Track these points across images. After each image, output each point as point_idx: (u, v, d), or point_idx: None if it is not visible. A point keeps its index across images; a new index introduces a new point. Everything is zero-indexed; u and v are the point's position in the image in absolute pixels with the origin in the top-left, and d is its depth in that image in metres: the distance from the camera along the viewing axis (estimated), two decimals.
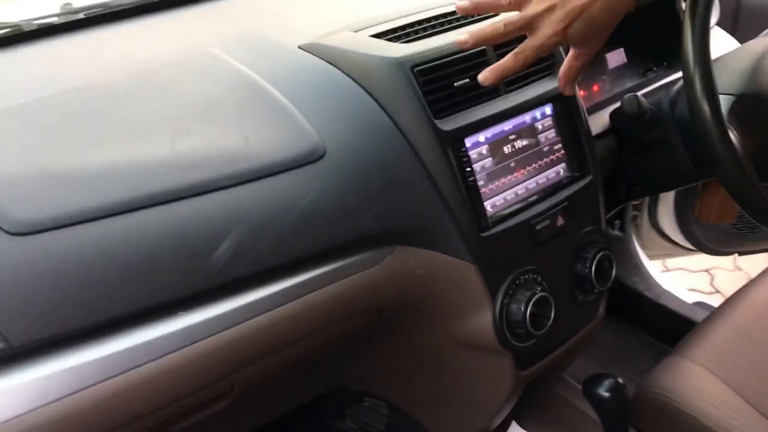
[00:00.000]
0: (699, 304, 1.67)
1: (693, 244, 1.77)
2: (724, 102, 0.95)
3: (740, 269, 2.44)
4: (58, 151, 0.72)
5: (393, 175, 0.84)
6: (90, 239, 0.68)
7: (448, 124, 0.85)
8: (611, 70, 1.27)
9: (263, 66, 0.88)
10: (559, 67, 0.92)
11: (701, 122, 0.88)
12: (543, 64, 0.96)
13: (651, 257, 1.83)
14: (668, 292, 1.70)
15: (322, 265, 0.80)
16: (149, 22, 1.03)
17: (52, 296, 0.65)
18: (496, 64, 0.81)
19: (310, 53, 0.89)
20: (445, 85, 0.85)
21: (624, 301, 1.66)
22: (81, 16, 1.00)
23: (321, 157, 0.80)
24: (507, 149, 0.91)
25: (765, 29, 1.17)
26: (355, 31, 0.92)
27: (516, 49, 0.79)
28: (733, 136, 0.92)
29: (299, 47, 0.91)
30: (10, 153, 0.71)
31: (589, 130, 1.00)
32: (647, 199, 1.71)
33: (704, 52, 0.88)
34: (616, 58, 1.29)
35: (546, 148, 0.95)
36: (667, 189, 1.24)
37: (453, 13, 0.96)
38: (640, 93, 1.18)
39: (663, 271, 2.02)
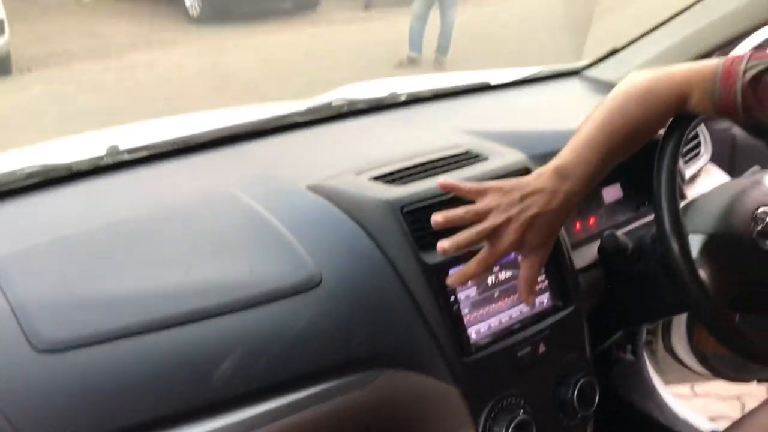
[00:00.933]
0: None
1: (708, 370, 1.78)
2: (698, 240, 1.03)
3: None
4: (86, 279, 0.85)
5: (382, 302, 0.93)
6: (108, 357, 0.78)
7: (433, 258, 0.94)
8: (607, 205, 1.36)
9: (274, 204, 1.00)
10: None
11: (670, 259, 0.97)
12: None
13: (668, 383, 1.83)
14: (683, 419, 1.70)
15: (313, 386, 0.88)
16: (183, 162, 1.18)
17: (70, 407, 0.75)
18: (462, 269, 0.89)
19: (316, 193, 1.02)
20: (430, 223, 0.96)
21: (637, 427, 1.67)
22: (126, 156, 1.15)
23: (317, 285, 0.91)
24: (491, 280, 1.00)
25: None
26: (357, 174, 1.05)
27: (478, 257, 0.88)
28: (704, 272, 0.99)
29: (307, 187, 1.03)
30: (46, 280, 0.84)
31: (571, 263, 1.08)
32: (661, 324, 1.75)
33: (671, 194, 0.98)
34: (612, 193, 1.38)
35: None
36: (654, 320, 1.29)
37: (443, 159, 1.08)
38: (630, 227, 1.27)
39: (691, 397, 2.01)
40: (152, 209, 1.01)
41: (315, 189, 1.03)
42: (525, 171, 1.07)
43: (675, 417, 1.71)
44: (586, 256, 1.18)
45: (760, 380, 1.86)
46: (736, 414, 2.35)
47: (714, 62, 1.04)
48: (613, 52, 1.58)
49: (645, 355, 1.76)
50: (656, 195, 0.99)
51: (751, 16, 1.37)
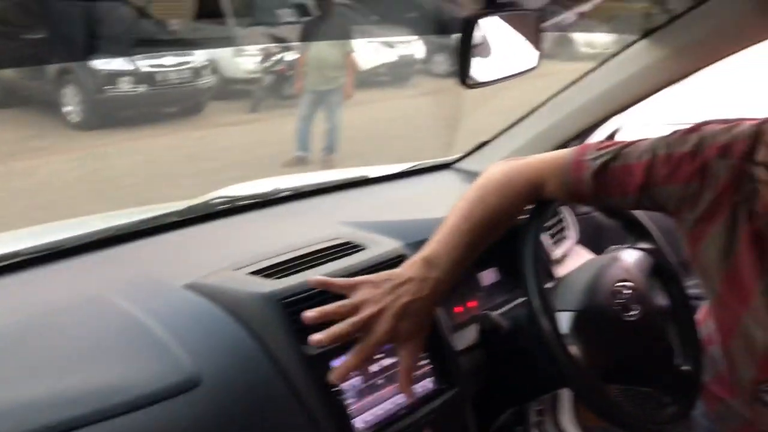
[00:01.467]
0: None
1: None
2: (568, 317, 1.09)
3: None
4: None
5: (265, 399, 0.92)
6: None
7: (315, 349, 0.95)
8: (485, 288, 1.42)
9: (150, 305, 0.98)
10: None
11: (542, 337, 1.01)
12: None
13: None
14: None
15: None
16: (56, 268, 1.13)
17: None
18: (341, 364, 0.90)
19: (193, 291, 1.01)
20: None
21: None
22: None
23: (196, 385, 0.88)
24: (375, 368, 1.01)
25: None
26: (235, 270, 1.05)
27: (356, 349, 0.90)
28: (576, 347, 1.05)
29: (184, 286, 1.02)
30: None
31: (451, 346, 1.11)
32: (549, 402, 1.80)
33: (536, 275, 1.04)
34: (490, 276, 1.44)
35: None
36: (536, 396, 1.34)
37: (322, 251, 1.10)
38: (506, 308, 1.32)
39: None
40: (23, 317, 0.97)
41: (192, 287, 1.02)
42: (401, 258, 1.10)
43: None
44: (467, 337, 1.22)
45: None
46: None
47: (565, 153, 1.14)
48: (482, 144, 1.69)
49: None
50: (523, 277, 1.05)
51: (601, 109, 1.51)
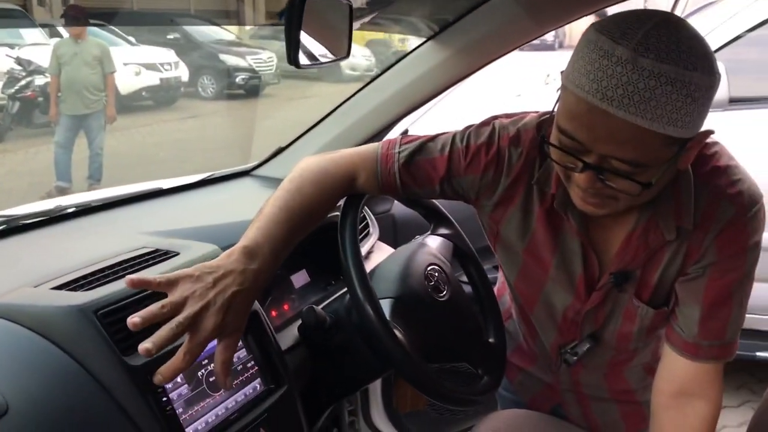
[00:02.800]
0: None
1: None
2: (387, 304, 1.13)
3: None
4: None
5: (85, 420, 0.84)
6: None
7: (138, 360, 0.88)
8: (297, 290, 1.42)
9: None
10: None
11: (368, 325, 1.04)
12: None
13: None
14: None
15: None
16: None
17: None
18: (168, 364, 0.83)
19: None
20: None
21: None
22: None
23: (3, 414, 0.78)
24: (201, 374, 0.96)
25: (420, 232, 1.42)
26: (35, 287, 0.94)
27: (183, 349, 0.83)
28: (398, 331, 1.08)
29: None
30: None
31: (277, 345, 1.10)
32: (359, 402, 1.83)
33: (358, 264, 1.06)
34: (300, 278, 1.44)
35: (240, 367, 1.02)
36: (362, 386, 1.37)
37: (131, 260, 1.03)
38: (322, 305, 1.33)
39: None
40: None
41: None
42: None
43: None
44: (287, 338, 1.20)
45: None
46: None
47: (373, 147, 1.19)
48: (279, 151, 1.69)
49: None
50: (345, 267, 1.06)
51: (394, 109, 1.58)
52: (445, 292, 1.20)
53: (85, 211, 1.37)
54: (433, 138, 1.17)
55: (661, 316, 1.12)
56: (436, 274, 1.21)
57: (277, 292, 1.37)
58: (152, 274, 0.96)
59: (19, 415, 0.79)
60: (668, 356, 1.13)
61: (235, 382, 1.01)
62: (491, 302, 1.32)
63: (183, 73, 10.05)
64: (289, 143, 1.69)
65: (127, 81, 8.62)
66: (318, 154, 1.61)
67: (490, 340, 1.27)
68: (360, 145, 1.57)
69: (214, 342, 0.87)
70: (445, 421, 2.00)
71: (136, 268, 1.01)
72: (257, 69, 11.09)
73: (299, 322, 1.25)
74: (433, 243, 1.30)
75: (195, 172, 1.69)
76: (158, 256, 1.06)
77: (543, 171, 1.09)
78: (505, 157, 1.11)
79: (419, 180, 1.16)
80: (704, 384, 1.09)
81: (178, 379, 0.93)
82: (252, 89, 11.08)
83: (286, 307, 1.35)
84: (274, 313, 1.30)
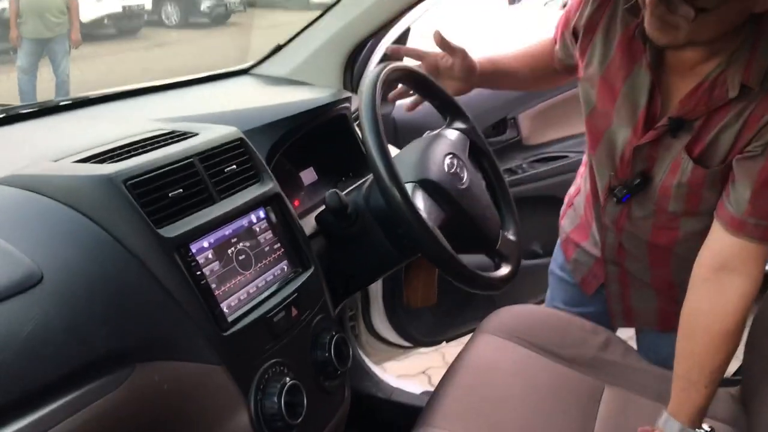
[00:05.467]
0: (426, 393, 1.80)
1: (406, 340, 1.92)
2: (409, 188, 1.10)
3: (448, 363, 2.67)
4: None
5: (120, 289, 0.81)
6: None
7: (170, 231, 0.85)
8: (306, 187, 1.39)
9: None
10: (264, 175, 1.01)
11: (395, 206, 1.02)
12: (250, 173, 1.02)
13: (376, 362, 1.94)
14: (398, 388, 1.81)
15: (57, 398, 0.72)
16: None
17: None
18: None
19: (8, 185, 0.85)
20: (160, 196, 0.87)
21: (361, 407, 1.72)
22: None
23: (38, 282, 0.75)
24: (231, 252, 0.94)
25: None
26: (56, 161, 0.90)
27: None
28: (422, 214, 1.07)
29: None
30: None
31: (301, 229, 1.07)
32: (360, 308, 1.84)
33: (383, 149, 1.03)
34: (308, 176, 1.42)
35: (267, 248, 1.00)
36: (378, 277, 1.36)
37: (147, 140, 0.98)
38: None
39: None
40: None
41: (8, 182, 0.85)
42: (241, 141, 1.03)
43: (390, 389, 1.80)
44: (306, 227, 1.18)
45: (447, 340, 2.07)
46: (426, 387, 2.58)
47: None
48: (278, 49, 1.63)
49: (354, 340, 1.83)
50: (369, 148, 1.03)
51: (396, 3, 1.52)
52: (465, 180, 1.19)
53: (85, 102, 1.32)
54: None
55: (697, 174, 1.14)
56: (456, 162, 1.19)
57: (287, 189, 1.34)
58: (174, 152, 0.93)
59: (53, 283, 0.76)
60: (715, 231, 1.14)
61: (264, 261, 0.99)
62: (506, 196, 1.31)
63: (146, 0, 9.71)
64: (287, 40, 1.63)
65: (88, 8, 8.29)
66: (319, 49, 1.58)
67: (507, 233, 1.27)
68: (360, 42, 1.53)
69: (242, 222, 0.93)
70: (445, 324, 2.03)
71: (155, 146, 0.97)
72: None
73: (314, 214, 1.23)
74: (451, 135, 1.28)
75: None
76: (176, 136, 1.02)
77: None
78: None
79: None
80: (746, 261, 1.11)
81: (209, 255, 0.90)
82: (218, 17, 10.76)
83: (296, 203, 1.33)
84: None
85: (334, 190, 1.11)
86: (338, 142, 1.43)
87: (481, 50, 1.46)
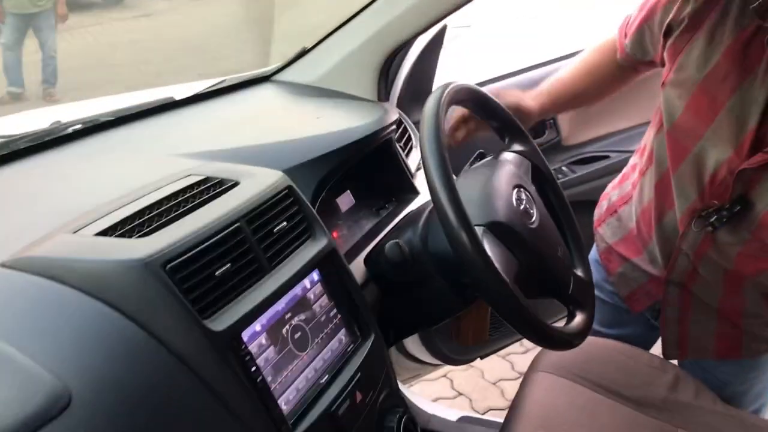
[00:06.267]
0: (464, 419, 1.68)
1: (441, 360, 1.79)
2: (478, 232, 0.95)
3: (473, 366, 2.56)
4: None
5: (165, 399, 0.66)
6: None
7: (220, 323, 0.71)
8: (345, 214, 1.24)
9: None
10: (316, 229, 0.87)
11: (464, 256, 0.86)
12: (300, 228, 0.87)
13: (404, 382, 1.81)
14: (435, 416, 1.68)
15: None
16: None
17: None
18: None
19: (20, 270, 0.69)
20: (205, 277, 0.72)
21: None
22: None
23: (67, 405, 0.60)
24: (286, 331, 0.79)
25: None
26: (74, 232, 0.74)
27: None
28: (496, 266, 0.92)
29: (2, 265, 0.70)
30: None
31: (358, 288, 0.93)
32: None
33: (451, 186, 0.88)
34: (345, 201, 1.26)
35: (323, 318, 0.86)
36: (435, 324, 1.22)
37: (178, 194, 0.83)
38: (384, 232, 1.16)
39: (408, 386, 2.02)
40: None
41: (16, 265, 0.70)
42: (288, 190, 0.88)
43: (428, 417, 1.68)
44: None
45: (482, 357, 1.95)
46: (449, 392, 2.46)
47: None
48: (303, 53, 1.46)
49: None
50: (434, 188, 0.88)
51: (435, 8, 1.36)
52: (534, 218, 1.04)
53: (92, 129, 1.15)
54: None
55: None
56: (524, 196, 1.04)
57: (323, 218, 1.19)
58: (217, 214, 0.77)
59: (85, 403, 0.61)
60: None
61: (320, 335, 0.84)
62: (573, 229, 1.17)
63: None
64: (314, 44, 1.46)
65: None
66: (352, 54, 1.41)
67: (578, 272, 1.12)
68: (397, 47, 1.36)
69: (296, 291, 0.79)
70: (478, 348, 1.90)
71: (192, 204, 0.81)
72: None
73: (361, 255, 1.08)
74: (513, 160, 1.12)
75: (156, 75, 1.46)
76: (213, 186, 0.86)
77: None
78: None
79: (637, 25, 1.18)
80: None
81: (263, 341, 0.75)
82: None
83: (335, 234, 1.18)
84: None
85: (395, 241, 0.97)
86: (379, 164, 1.28)
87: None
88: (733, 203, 1.06)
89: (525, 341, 2.22)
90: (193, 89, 1.39)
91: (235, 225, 0.77)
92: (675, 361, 1.37)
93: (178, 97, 1.33)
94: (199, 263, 0.71)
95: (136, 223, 0.76)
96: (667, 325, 1.31)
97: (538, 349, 1.34)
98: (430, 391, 2.43)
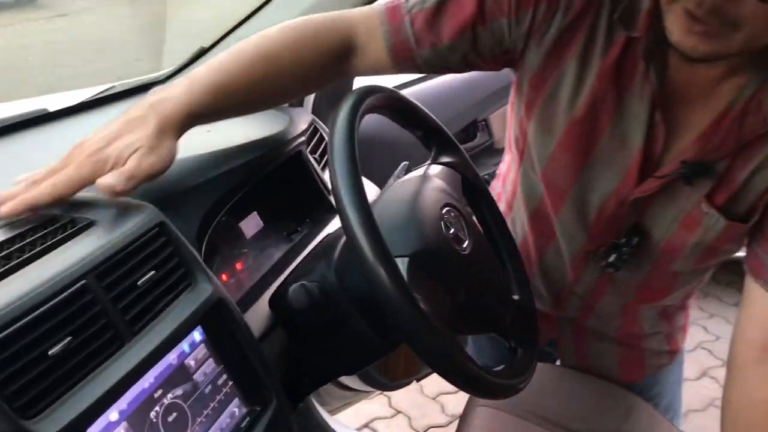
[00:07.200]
0: None
1: (376, 387, 1.64)
2: (399, 265, 0.80)
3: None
4: None
5: None
6: None
7: (52, 423, 0.53)
8: (251, 240, 1.07)
9: None
10: (198, 275, 0.69)
11: (381, 291, 0.71)
12: (176, 276, 0.69)
13: (333, 412, 1.65)
14: None
15: None
16: None
17: None
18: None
19: None
20: (32, 360, 0.54)
21: None
22: None
23: None
24: (155, 414, 0.62)
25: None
26: None
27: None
28: (421, 304, 0.76)
29: None
30: None
31: (254, 341, 0.76)
32: None
33: (365, 212, 0.72)
34: (251, 225, 1.09)
35: (208, 389, 0.68)
36: (357, 370, 1.06)
37: (16, 239, 0.64)
38: (297, 261, 1.00)
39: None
40: None
41: None
42: (160, 228, 0.70)
43: None
44: (254, 319, 0.86)
45: (418, 379, 1.80)
46: (387, 410, 2.31)
47: (375, 5, 0.92)
48: (201, 53, 1.28)
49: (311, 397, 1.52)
50: (346, 215, 0.72)
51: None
52: (466, 243, 0.89)
53: None
54: None
55: (731, 231, 0.88)
56: (453, 219, 0.89)
57: (225, 248, 1.02)
58: (58, 264, 0.59)
59: None
60: (758, 298, 0.89)
61: (206, 412, 0.67)
62: (511, 249, 1.02)
63: None
64: (213, 43, 1.28)
65: None
66: None
67: (515, 297, 0.98)
68: None
69: (169, 360, 0.62)
70: (414, 363, 1.75)
71: (23, 255, 0.63)
72: None
73: (265, 296, 0.91)
74: (440, 175, 0.97)
75: (72, 78, 1.27)
76: (63, 227, 0.68)
77: (627, 5, 0.81)
78: None
79: (442, 28, 0.88)
80: None
81: (122, 431, 0.58)
82: None
83: (239, 266, 1.01)
84: (225, 277, 0.96)
85: (301, 283, 0.80)
86: (289, 180, 1.11)
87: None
88: (629, 236, 0.94)
89: None
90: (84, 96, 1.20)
91: (80, 283, 0.59)
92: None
93: (53, 108, 1.13)
94: (23, 341, 0.53)
95: None
96: (566, 359, 1.21)
97: None
98: (367, 411, 2.28)
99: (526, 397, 1.15)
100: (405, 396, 2.37)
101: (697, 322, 2.76)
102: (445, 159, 1.00)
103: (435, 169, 0.98)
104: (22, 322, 0.54)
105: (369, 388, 1.63)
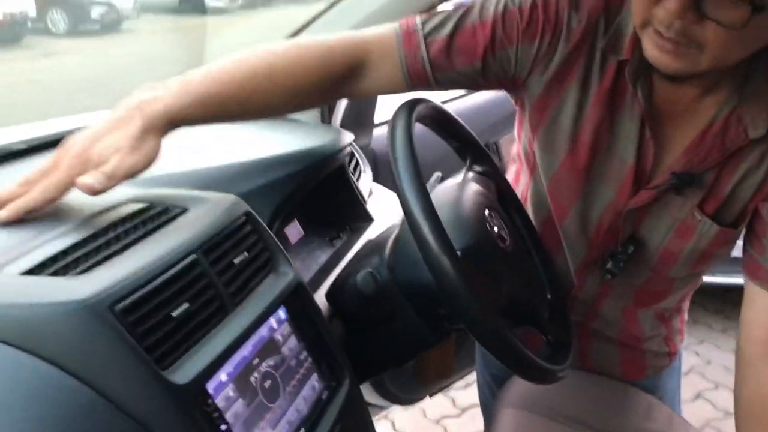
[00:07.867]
0: None
1: (389, 400, 1.68)
2: None
3: (413, 405, 2.45)
4: None
5: None
6: None
7: (182, 374, 0.58)
8: (295, 246, 1.13)
9: None
10: (280, 260, 0.76)
11: (446, 279, 0.77)
12: (261, 260, 0.76)
13: None
14: None
15: None
16: None
17: None
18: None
19: None
20: (161, 319, 0.60)
21: None
22: None
23: None
24: (254, 380, 0.68)
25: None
26: None
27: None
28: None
29: None
30: None
31: (326, 323, 0.82)
32: None
33: (431, 210, 0.79)
34: (294, 232, 1.15)
35: (293, 362, 0.74)
36: (406, 361, 1.11)
37: (116, 224, 0.70)
38: (342, 264, 1.06)
39: None
40: None
41: None
42: (247, 216, 0.77)
43: None
44: None
45: (431, 394, 1.85)
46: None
47: (389, 26, 0.95)
48: None
49: None
50: (411, 211, 0.78)
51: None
52: (508, 241, 0.96)
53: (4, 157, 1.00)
54: (465, 4, 0.94)
55: (724, 237, 0.95)
56: (495, 219, 0.97)
57: None
58: (168, 246, 0.66)
59: None
60: (758, 298, 0.96)
61: (292, 383, 0.73)
62: (542, 252, 1.10)
63: (29, 6, 8.99)
64: None
65: None
66: None
67: (549, 296, 1.05)
68: None
69: (262, 333, 0.68)
70: (428, 386, 1.79)
71: (135, 236, 0.69)
72: (114, 2, 10.11)
73: (321, 290, 0.97)
74: (477, 182, 1.04)
75: (58, 116, 1.30)
76: (158, 215, 0.74)
77: (613, 32, 0.89)
78: (563, 19, 0.91)
79: (456, 57, 0.93)
80: None
81: (230, 393, 0.64)
82: (110, 24, 10.11)
83: None
84: None
85: (369, 270, 0.86)
86: (329, 190, 1.18)
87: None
88: (626, 245, 1.01)
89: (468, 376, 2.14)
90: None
91: (191, 257, 0.65)
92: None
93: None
94: (153, 303, 0.59)
95: (70, 259, 0.63)
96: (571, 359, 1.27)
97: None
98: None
99: (552, 398, 1.22)
100: (408, 420, 2.41)
101: (688, 348, 2.84)
102: (479, 168, 1.08)
103: (472, 176, 1.06)
104: (148, 287, 0.60)
105: (382, 402, 1.67)
